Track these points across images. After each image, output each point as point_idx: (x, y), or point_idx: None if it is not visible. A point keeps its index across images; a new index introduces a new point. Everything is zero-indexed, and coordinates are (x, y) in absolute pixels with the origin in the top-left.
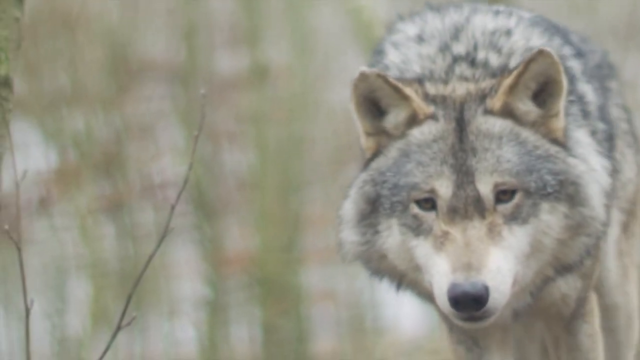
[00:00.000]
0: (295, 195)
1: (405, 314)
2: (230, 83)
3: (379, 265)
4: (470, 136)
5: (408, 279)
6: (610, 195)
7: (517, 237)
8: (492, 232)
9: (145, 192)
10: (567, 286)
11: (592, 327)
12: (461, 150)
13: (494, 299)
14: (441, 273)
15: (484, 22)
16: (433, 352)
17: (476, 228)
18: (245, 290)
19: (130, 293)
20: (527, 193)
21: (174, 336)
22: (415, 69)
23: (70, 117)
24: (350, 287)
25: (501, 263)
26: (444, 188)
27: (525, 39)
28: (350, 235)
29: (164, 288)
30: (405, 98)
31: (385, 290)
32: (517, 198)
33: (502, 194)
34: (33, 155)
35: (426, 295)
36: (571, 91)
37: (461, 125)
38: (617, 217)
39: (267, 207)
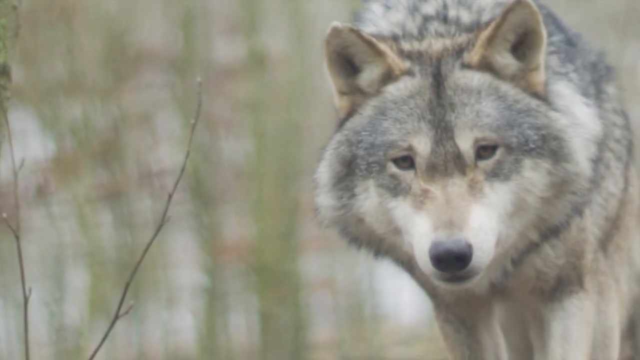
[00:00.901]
0: (293, 183)
1: (404, 302)
2: (227, 71)
3: (357, 230)
4: (448, 91)
5: (387, 243)
6: (602, 143)
7: (499, 194)
8: (474, 189)
9: (142, 180)
10: (545, 260)
11: (579, 332)
12: (439, 105)
13: (477, 256)
14: (422, 232)
15: None
16: (432, 340)
17: (457, 185)
18: (243, 279)
19: (128, 282)
20: (509, 149)
21: (172, 324)
22: (386, 35)
23: (68, 106)
24: (349, 275)
25: (484, 220)
26: (422, 145)
27: None
28: (325, 200)
29: (161, 277)
30: (379, 54)
31: (384, 278)
32: (499, 154)
33: (483, 150)
34: (31, 143)
35: (406, 261)
36: (551, 42)
37: (438, 80)
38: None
39: (264, 195)
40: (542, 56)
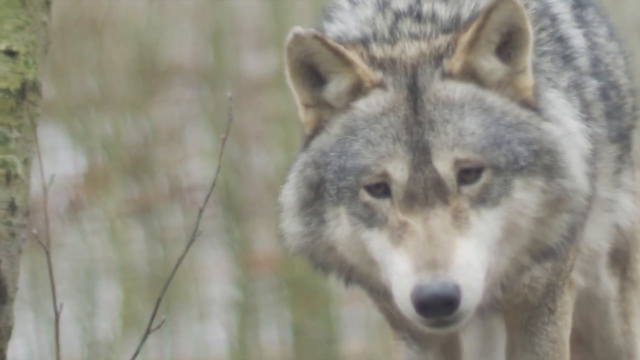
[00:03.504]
0: None
1: None
2: (257, 85)
3: (326, 258)
4: (427, 106)
5: (360, 272)
6: (592, 162)
7: (487, 223)
8: (458, 220)
9: (173, 195)
10: (539, 267)
11: (559, 332)
12: (416, 123)
13: (466, 298)
14: (402, 273)
15: None
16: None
17: (439, 216)
18: (275, 292)
19: (160, 296)
20: (496, 170)
21: (204, 339)
22: (355, 34)
23: (98, 121)
24: None
25: (471, 256)
26: (399, 171)
27: None
28: (292, 225)
29: (193, 291)
30: (347, 63)
31: None
32: (485, 177)
33: (466, 174)
34: (61, 159)
35: (380, 291)
36: (553, 35)
37: (415, 94)
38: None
39: None
40: (529, 57)
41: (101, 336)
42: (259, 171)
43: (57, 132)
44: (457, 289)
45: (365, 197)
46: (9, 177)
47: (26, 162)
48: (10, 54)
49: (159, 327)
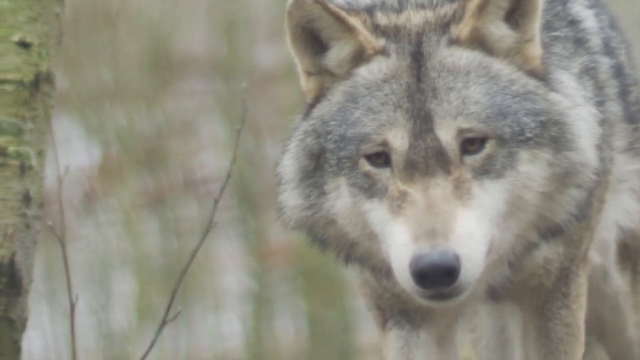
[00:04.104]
0: None
1: None
2: (271, 77)
3: (326, 233)
4: (432, 73)
5: (361, 249)
6: (606, 141)
7: (490, 195)
8: (460, 190)
9: (188, 186)
10: (551, 250)
11: (573, 316)
12: (419, 91)
13: (466, 269)
14: (400, 243)
15: None
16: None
17: (440, 186)
18: (290, 283)
19: (175, 288)
20: (501, 141)
21: (220, 330)
22: (366, 1)
23: (113, 113)
24: None
25: (473, 227)
26: (399, 139)
27: None
28: (292, 198)
29: (208, 282)
30: (349, 30)
31: None
32: (489, 148)
33: (470, 144)
34: (76, 151)
35: (384, 270)
36: (564, 19)
37: (419, 61)
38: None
39: None
40: (538, 24)
41: (116, 328)
42: (273, 163)
43: (71, 124)
44: (457, 259)
45: (366, 166)
46: (24, 169)
47: (40, 154)
48: (24, 45)
49: (174, 318)
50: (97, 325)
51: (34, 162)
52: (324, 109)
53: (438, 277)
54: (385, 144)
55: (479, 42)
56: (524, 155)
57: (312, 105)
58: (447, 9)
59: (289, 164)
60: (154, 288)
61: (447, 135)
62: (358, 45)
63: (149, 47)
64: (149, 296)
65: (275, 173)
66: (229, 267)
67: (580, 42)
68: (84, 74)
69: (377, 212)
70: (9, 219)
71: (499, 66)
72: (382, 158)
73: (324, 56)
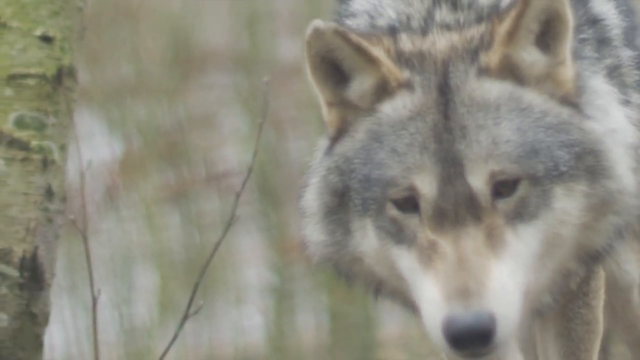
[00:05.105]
0: None
1: None
2: (292, 70)
3: (352, 269)
4: (460, 109)
5: (390, 286)
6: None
7: (524, 240)
8: (492, 239)
9: (209, 180)
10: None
11: (593, 313)
12: (446, 130)
13: (502, 327)
14: (431, 301)
15: None
16: None
17: (471, 236)
18: (312, 277)
19: (196, 282)
20: (534, 180)
21: (241, 324)
22: (390, 14)
23: (134, 107)
24: None
25: (506, 280)
26: (427, 185)
27: None
28: (315, 233)
29: (230, 276)
30: (371, 61)
31: None
32: (521, 189)
33: (501, 186)
34: (97, 145)
35: (414, 308)
36: (587, 20)
37: (446, 95)
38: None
39: None
40: (569, 45)
41: (138, 322)
42: (295, 156)
43: (93, 119)
44: (491, 319)
45: (392, 211)
46: (46, 163)
47: (62, 148)
48: (46, 39)
49: (196, 312)
50: (119, 319)
51: (56, 156)
52: (346, 146)
53: (473, 339)
54: (412, 188)
55: (510, 70)
56: (558, 190)
57: (335, 139)
58: (474, 32)
59: (311, 198)
60: (176, 282)
61: (477, 180)
62: (380, 77)
63: (170, 40)
64: (171, 290)
65: (299, 206)
66: (250, 261)
67: (604, 42)
68: (106, 68)
69: (406, 260)
70: (31, 213)
71: (530, 96)
72: (409, 203)
73: (346, 87)
